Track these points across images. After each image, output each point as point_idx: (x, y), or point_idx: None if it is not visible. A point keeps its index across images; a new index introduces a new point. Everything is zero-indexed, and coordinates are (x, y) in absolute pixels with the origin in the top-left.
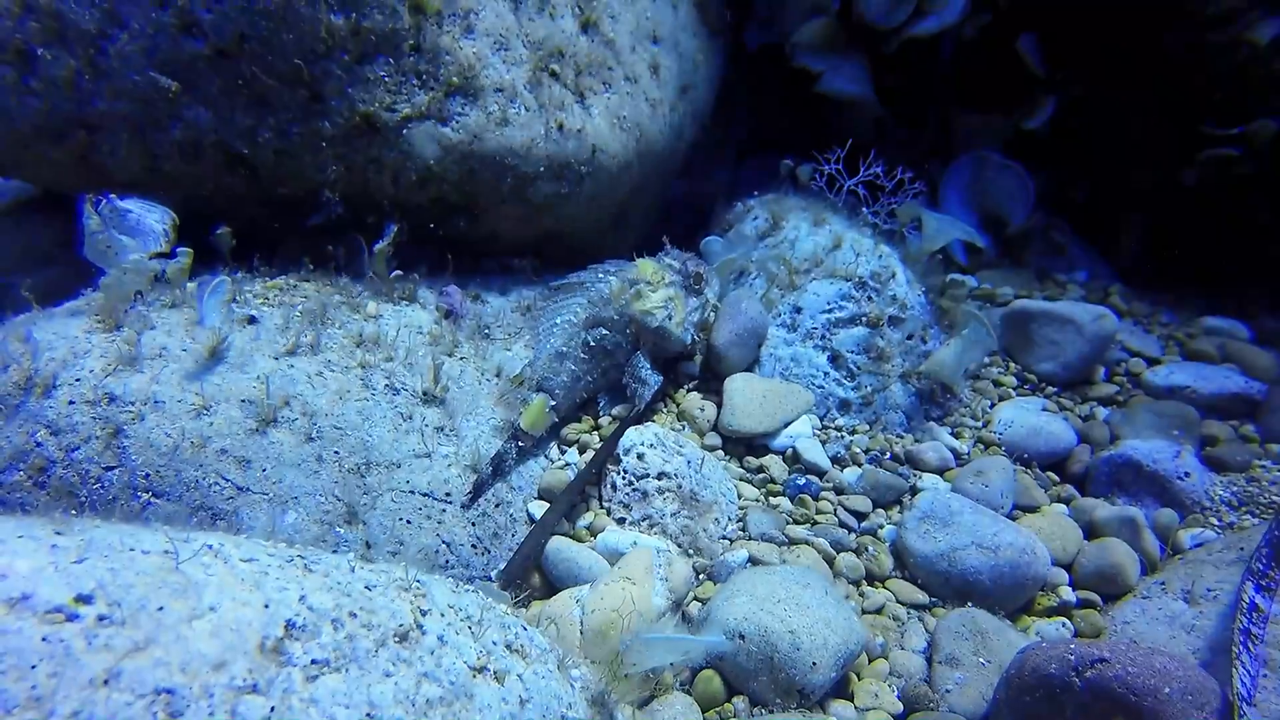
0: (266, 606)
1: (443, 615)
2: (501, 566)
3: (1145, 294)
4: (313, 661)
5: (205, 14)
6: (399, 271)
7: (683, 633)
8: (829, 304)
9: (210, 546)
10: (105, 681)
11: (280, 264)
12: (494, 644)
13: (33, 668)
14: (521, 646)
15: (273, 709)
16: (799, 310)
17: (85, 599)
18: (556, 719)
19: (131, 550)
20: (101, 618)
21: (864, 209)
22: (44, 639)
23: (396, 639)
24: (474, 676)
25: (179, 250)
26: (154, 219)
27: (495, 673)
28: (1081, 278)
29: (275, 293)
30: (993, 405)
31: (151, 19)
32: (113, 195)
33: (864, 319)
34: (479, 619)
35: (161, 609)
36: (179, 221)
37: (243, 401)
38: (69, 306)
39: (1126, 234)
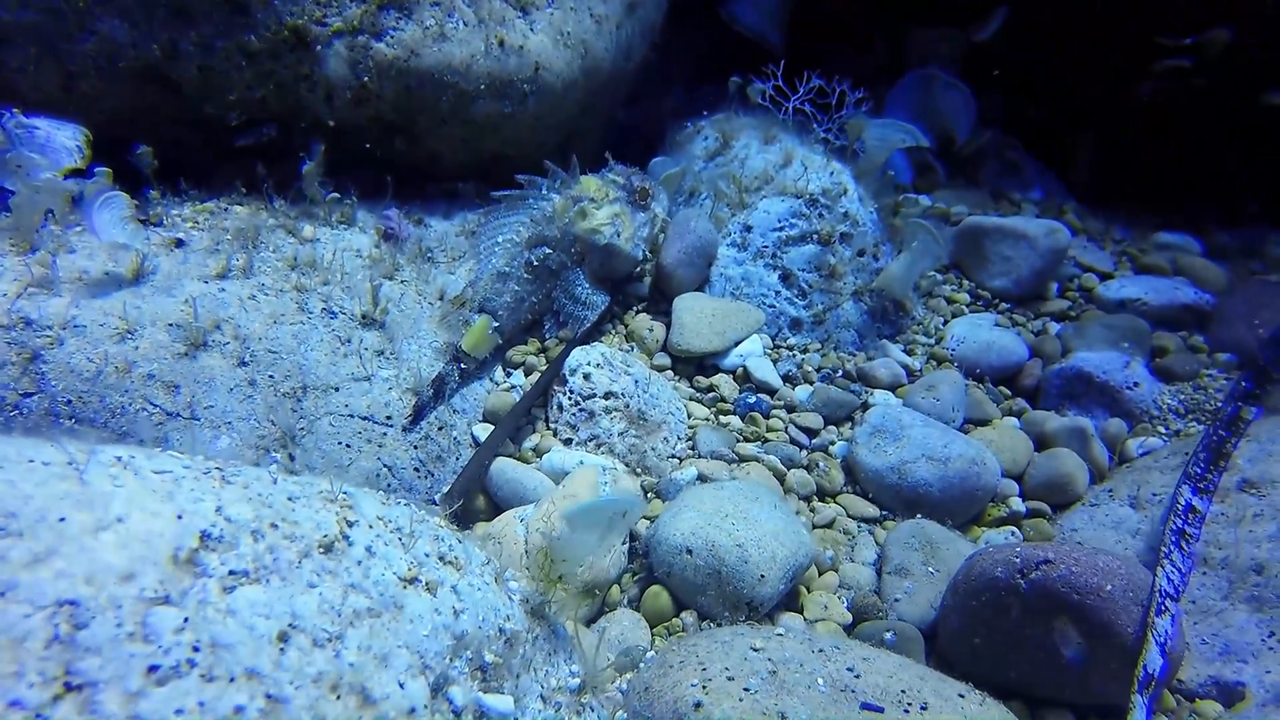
0: (180, 518)
1: (371, 527)
2: (445, 489)
3: (1099, 211)
4: (230, 572)
5: None
6: (335, 194)
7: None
8: (780, 221)
9: (119, 458)
10: (1, 594)
11: (212, 188)
12: (425, 555)
13: None
14: (455, 558)
15: (186, 620)
16: (749, 229)
17: None
18: (494, 630)
19: (30, 461)
20: None
21: (816, 126)
22: None
23: (321, 550)
24: (404, 588)
25: (96, 169)
26: (65, 135)
27: (427, 584)
28: (1036, 196)
29: (205, 216)
30: (945, 322)
31: None
32: (16, 110)
33: (815, 236)
34: (410, 531)
35: (63, 520)
36: (92, 137)
37: (170, 325)
38: None
39: (1080, 151)
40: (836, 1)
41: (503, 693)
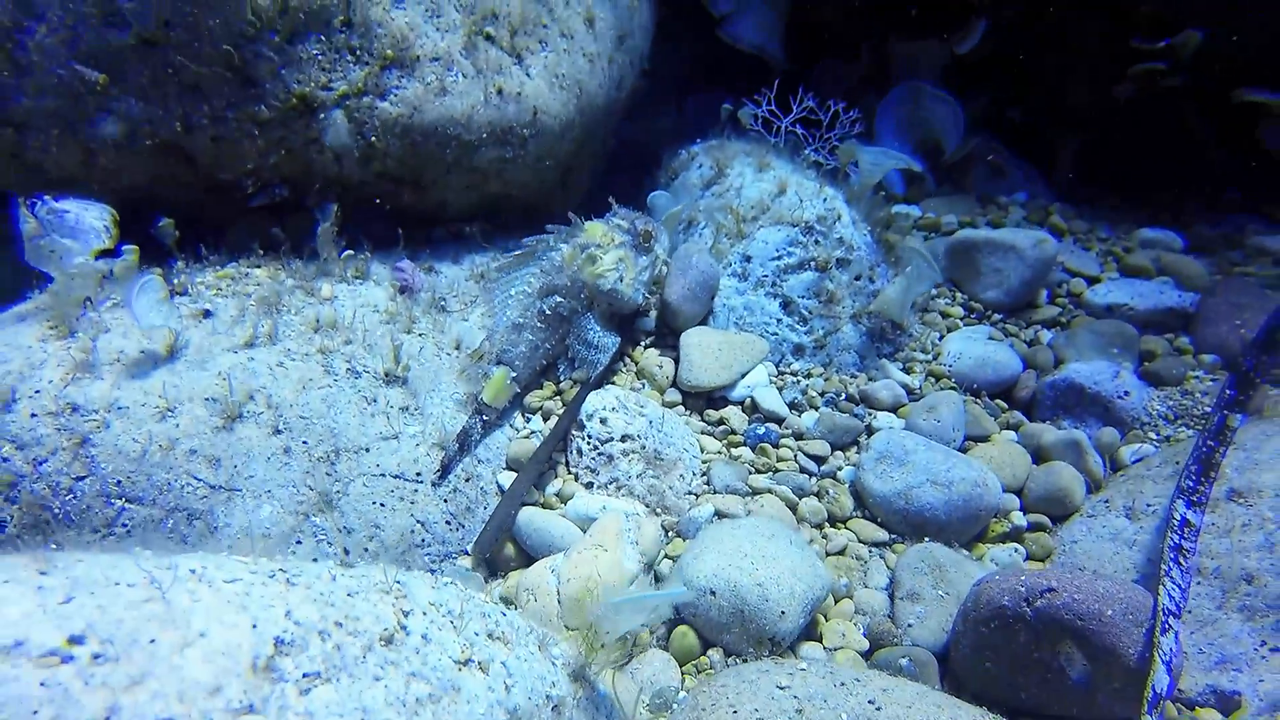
0: (254, 626)
1: (424, 613)
2: (475, 539)
3: (1084, 209)
4: (304, 675)
5: (125, 1)
6: (349, 251)
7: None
8: (778, 251)
9: (193, 571)
10: (106, 719)
11: (229, 248)
12: (476, 635)
13: (34, 713)
14: (502, 633)
15: None
16: (749, 259)
17: (77, 640)
18: (541, 699)
19: (116, 585)
20: (96, 656)
21: (806, 148)
22: (41, 684)
23: (382, 642)
24: (459, 670)
25: (124, 247)
26: (93, 216)
27: (479, 663)
28: (1021, 198)
29: (227, 282)
30: (941, 337)
31: (70, 9)
32: (47, 196)
33: (812, 263)
34: (460, 612)
35: (153, 641)
36: (119, 216)
37: (206, 399)
38: (15, 311)
39: (1063, 152)
40: (824, 15)
41: None
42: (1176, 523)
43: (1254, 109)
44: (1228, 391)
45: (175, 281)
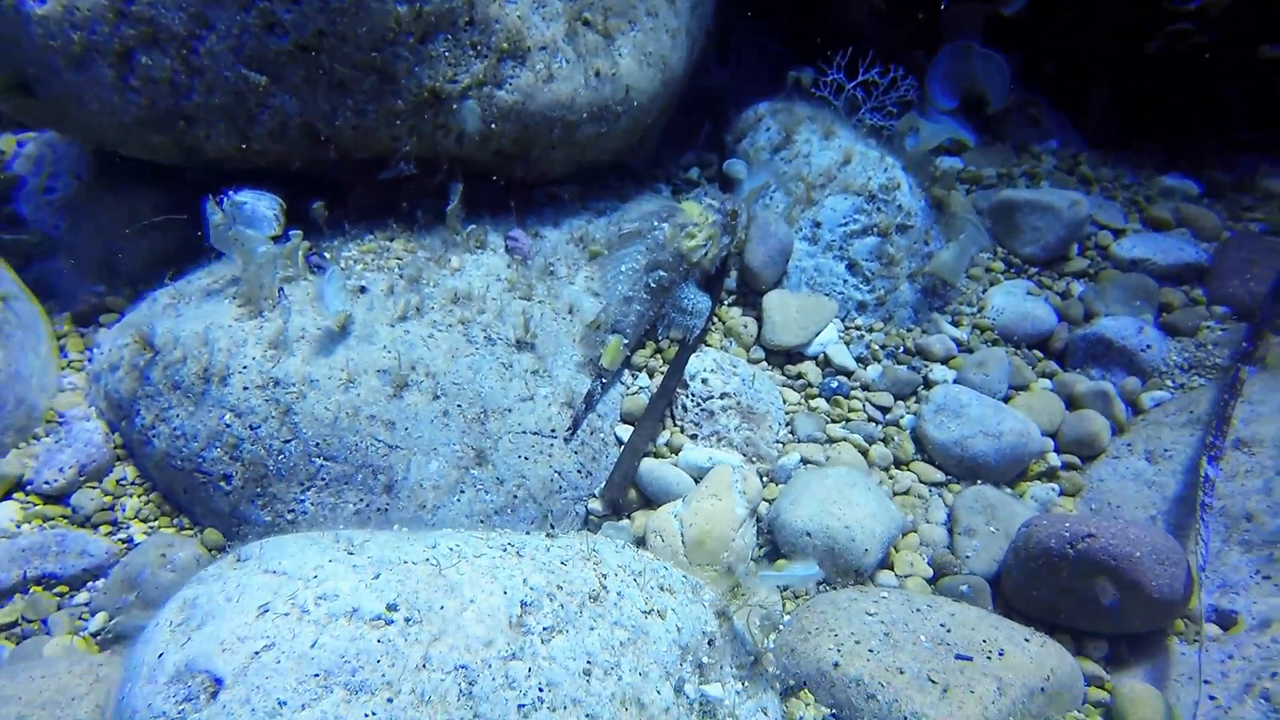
0: (505, 593)
1: (616, 575)
2: (604, 485)
3: (1110, 156)
4: (544, 629)
5: (286, 14)
6: (473, 226)
7: (765, 560)
8: (844, 218)
9: (452, 549)
10: (423, 665)
11: (354, 210)
12: (653, 589)
13: (378, 661)
14: (669, 585)
15: (529, 670)
16: (818, 225)
17: (393, 607)
18: (699, 635)
19: (405, 563)
20: (408, 619)
21: (864, 109)
22: (378, 640)
23: (591, 600)
24: (645, 618)
25: (291, 232)
26: (264, 205)
27: (658, 611)
28: (1054, 145)
29: (370, 256)
30: (985, 290)
31: (237, 20)
32: (230, 191)
33: (875, 229)
34: (640, 570)
35: (443, 608)
36: (285, 205)
37: (379, 371)
38: (200, 286)
39: (1094, 102)
40: None
41: (713, 682)
42: (1202, 480)
43: (1275, 64)
44: (1244, 344)
45: (327, 256)
